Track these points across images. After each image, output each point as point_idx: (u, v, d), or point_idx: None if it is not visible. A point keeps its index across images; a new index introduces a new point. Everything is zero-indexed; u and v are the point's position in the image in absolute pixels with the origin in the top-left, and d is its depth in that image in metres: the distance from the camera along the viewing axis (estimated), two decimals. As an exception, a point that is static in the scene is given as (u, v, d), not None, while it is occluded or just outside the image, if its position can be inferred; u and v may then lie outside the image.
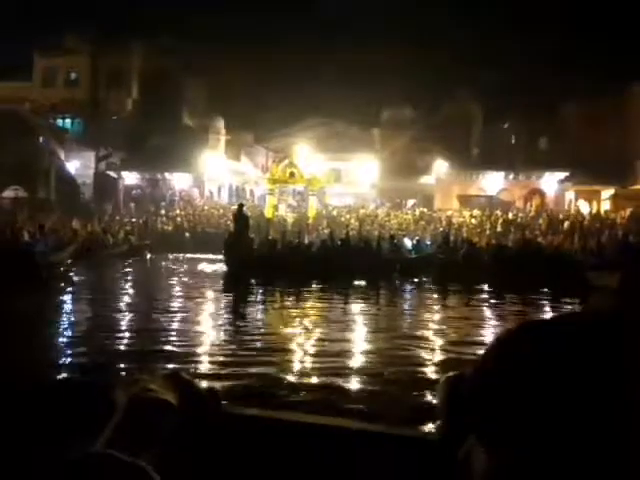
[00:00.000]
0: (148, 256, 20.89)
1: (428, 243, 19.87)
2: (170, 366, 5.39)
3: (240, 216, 16.77)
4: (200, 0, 47.54)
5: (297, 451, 0.88)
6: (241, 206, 17.57)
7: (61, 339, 6.80)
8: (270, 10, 52.02)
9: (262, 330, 7.72)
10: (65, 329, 7.50)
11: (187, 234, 25.26)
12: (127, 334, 7.14)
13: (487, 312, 10.17)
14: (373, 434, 0.89)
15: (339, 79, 35.83)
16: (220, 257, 19.51)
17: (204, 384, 4.62)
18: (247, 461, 0.88)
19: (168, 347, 6.36)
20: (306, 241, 18.71)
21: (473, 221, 26.53)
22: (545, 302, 11.42)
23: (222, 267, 16.54)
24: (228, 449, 0.87)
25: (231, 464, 0.87)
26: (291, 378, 5.18)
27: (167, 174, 34.05)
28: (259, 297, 11.93)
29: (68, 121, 34.67)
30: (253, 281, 13.65)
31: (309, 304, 10.48)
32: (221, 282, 13.97)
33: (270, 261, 15.30)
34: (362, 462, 0.87)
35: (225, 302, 10.70)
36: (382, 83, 33.45)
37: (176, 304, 9.85)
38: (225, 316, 9.02)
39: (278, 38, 48.38)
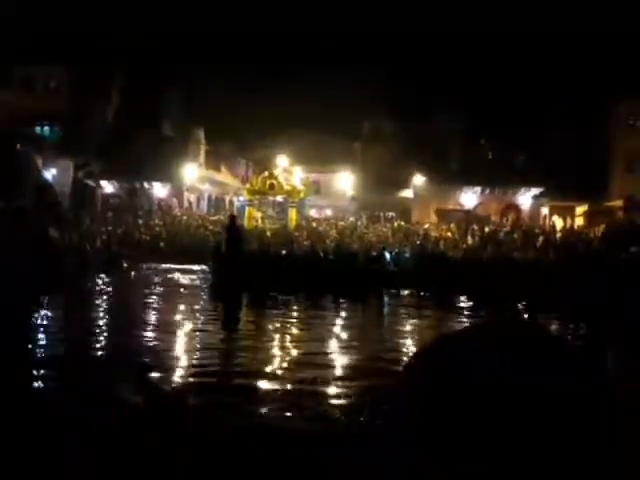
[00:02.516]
0: (124, 265, 20.65)
1: (407, 256, 20.07)
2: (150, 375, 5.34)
3: (233, 227, 16.57)
4: (181, 13, 47.58)
5: (268, 454, 0.90)
6: (233, 217, 17.48)
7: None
8: (255, 23, 52.25)
9: (251, 345, 7.65)
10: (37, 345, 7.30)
11: (162, 244, 25.03)
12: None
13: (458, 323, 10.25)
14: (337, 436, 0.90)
15: (321, 92, 35.92)
16: (198, 268, 19.45)
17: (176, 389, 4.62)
18: (215, 463, 0.89)
19: (151, 359, 6.32)
20: (283, 252, 18.72)
21: (449, 234, 26.72)
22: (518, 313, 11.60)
23: (203, 277, 16.45)
24: (196, 451, 0.88)
25: (199, 465, 0.88)
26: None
27: (146, 184, 33.85)
28: (249, 309, 11.83)
29: (47, 129, 34.27)
30: (241, 292, 13.63)
31: (299, 318, 10.35)
32: (207, 293, 13.88)
33: (260, 272, 15.21)
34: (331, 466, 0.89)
35: (214, 314, 10.56)
36: (364, 97, 33.61)
37: (161, 318, 9.70)
38: (214, 329, 8.89)
39: (261, 50, 48.53)
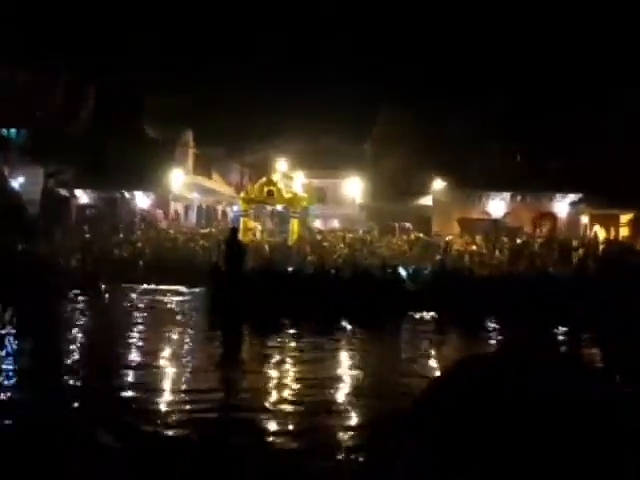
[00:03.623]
0: (103, 287, 20.62)
1: (426, 272, 20.01)
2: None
3: (234, 242, 16.44)
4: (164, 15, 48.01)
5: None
6: (235, 230, 17.33)
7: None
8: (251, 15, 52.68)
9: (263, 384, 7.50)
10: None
11: (144, 261, 25.09)
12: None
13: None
14: None
15: (327, 87, 36.14)
16: (188, 289, 19.39)
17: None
18: None
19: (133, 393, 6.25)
20: (290, 268, 18.76)
21: (474, 248, 26.69)
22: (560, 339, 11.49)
23: (194, 301, 16.51)
24: None
25: None
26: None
27: (127, 193, 33.89)
28: (254, 340, 11.58)
29: (13, 132, 34.47)
30: (243, 318, 13.59)
31: (314, 350, 10.16)
32: (202, 320, 13.72)
33: (264, 294, 15.19)
34: None
35: (213, 347, 10.34)
36: (376, 93, 33.85)
37: (146, 353, 9.35)
38: (214, 368, 8.70)
39: (256, 44, 48.91)
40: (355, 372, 8.21)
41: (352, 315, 14.10)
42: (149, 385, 7.08)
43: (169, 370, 8.03)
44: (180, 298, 18.05)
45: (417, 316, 15.14)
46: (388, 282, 17.30)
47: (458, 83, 35.14)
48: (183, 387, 7.13)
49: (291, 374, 8.06)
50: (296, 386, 7.30)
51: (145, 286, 21.45)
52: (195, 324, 13.02)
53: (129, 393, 6.76)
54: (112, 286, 20.53)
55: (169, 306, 16.54)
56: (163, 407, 6.20)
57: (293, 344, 10.68)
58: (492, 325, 13.83)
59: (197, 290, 20.07)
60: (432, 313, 15.38)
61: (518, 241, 27.39)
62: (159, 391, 6.85)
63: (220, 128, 37.40)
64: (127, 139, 32.55)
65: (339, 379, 7.75)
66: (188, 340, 10.84)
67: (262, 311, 14.01)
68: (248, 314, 13.89)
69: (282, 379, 7.64)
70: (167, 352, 9.58)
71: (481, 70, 35.49)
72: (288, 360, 9.05)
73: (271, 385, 7.28)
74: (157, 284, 21.46)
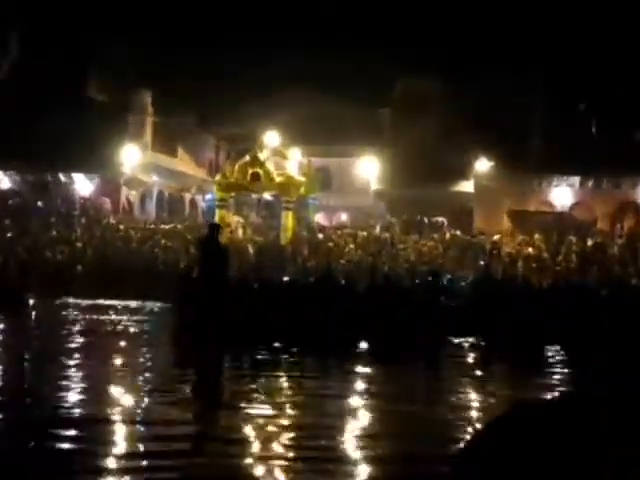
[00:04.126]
0: (29, 301, 20.60)
1: (465, 284, 20.07)
2: None
3: (212, 244, 16.24)
4: None
5: None
6: (214, 227, 17.08)
7: None
8: None
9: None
10: None
11: (85, 267, 25.20)
12: None
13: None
14: None
15: (331, 33, 36.12)
16: (144, 304, 19.36)
17: None
18: None
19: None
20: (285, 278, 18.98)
21: (531, 250, 26.78)
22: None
23: (155, 321, 16.62)
24: None
25: None
26: None
27: (62, 175, 34.03)
28: (241, 378, 11.13)
29: None
30: (226, 345, 13.55)
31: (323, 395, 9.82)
32: (167, 350, 13.56)
33: (252, 312, 15.25)
34: None
35: (181, 385, 10.14)
36: (398, 40, 33.79)
37: (87, 397, 8.95)
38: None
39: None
40: (372, 430, 8.01)
41: (367, 342, 14.09)
42: (84, 447, 6.89)
43: (116, 425, 7.74)
44: (134, 318, 17.93)
45: (455, 342, 15.04)
46: (419, 295, 17.29)
47: (505, 33, 35.18)
48: (135, 451, 6.93)
49: (288, 426, 7.94)
50: (294, 442, 7.21)
51: (87, 301, 21.35)
52: (156, 355, 12.76)
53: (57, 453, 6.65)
54: (42, 301, 20.48)
55: (119, 329, 16.36)
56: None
57: (289, 383, 10.54)
58: (554, 356, 13.73)
59: (158, 307, 20.08)
60: (473, 338, 15.26)
61: (590, 242, 27.39)
62: (99, 456, 6.65)
63: (188, 89, 37.40)
64: (64, 103, 32.58)
65: (349, 435, 7.61)
66: (145, 378, 10.49)
67: (248, 336, 13.92)
68: (230, 340, 13.77)
69: (278, 436, 7.49)
70: (115, 397, 9.05)
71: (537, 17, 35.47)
72: (284, 408, 8.91)
73: (266, 451, 7.06)
74: (103, 298, 21.41)
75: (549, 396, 9.69)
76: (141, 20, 37.72)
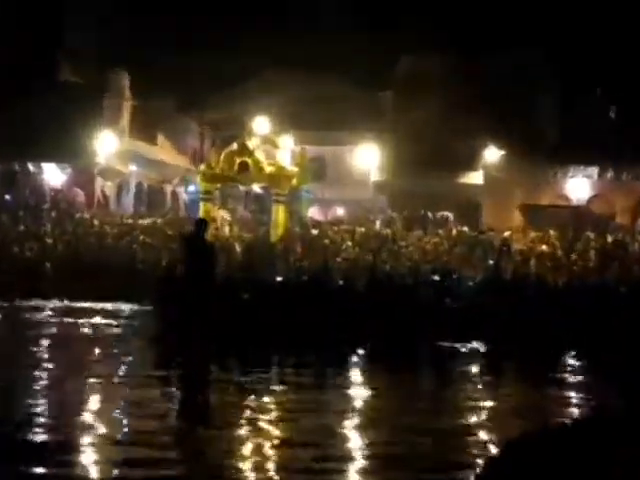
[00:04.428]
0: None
1: (473, 283, 20.05)
2: None
3: (199, 240, 16.13)
4: None
5: None
6: (202, 223, 17.02)
7: None
8: None
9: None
10: None
11: (52, 265, 25.12)
12: None
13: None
14: None
15: (329, 13, 36.18)
16: (120, 307, 19.24)
17: None
18: None
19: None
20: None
21: (545, 247, 26.80)
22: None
23: (131, 326, 16.80)
24: None
25: None
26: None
27: (31, 165, 34.05)
28: (226, 389, 11.07)
29: None
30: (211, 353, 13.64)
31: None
32: (145, 358, 13.49)
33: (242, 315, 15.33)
34: None
35: (163, 397, 10.03)
36: (399, 17, 33.90)
37: (67, 408, 9.10)
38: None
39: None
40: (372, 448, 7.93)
41: (365, 348, 14.22)
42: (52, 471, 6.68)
43: (93, 445, 7.50)
44: (109, 321, 17.79)
45: (460, 348, 15.00)
46: (422, 296, 17.37)
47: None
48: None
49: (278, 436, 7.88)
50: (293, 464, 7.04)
51: (57, 303, 21.41)
52: (134, 363, 12.70)
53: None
54: (6, 303, 20.31)
55: (93, 335, 16.27)
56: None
57: (284, 396, 10.43)
58: (572, 364, 13.70)
59: (134, 310, 20.07)
60: (480, 344, 15.28)
61: (609, 238, 27.40)
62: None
63: (169, 69, 37.40)
64: (32, 86, 32.53)
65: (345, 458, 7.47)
66: (123, 389, 10.43)
67: (238, 341, 14.03)
68: (217, 344, 13.93)
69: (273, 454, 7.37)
70: (90, 413, 9.01)
71: None
72: (278, 421, 8.79)
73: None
74: (74, 299, 21.40)
75: (563, 415, 9.65)
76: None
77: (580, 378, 12.61)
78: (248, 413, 9.11)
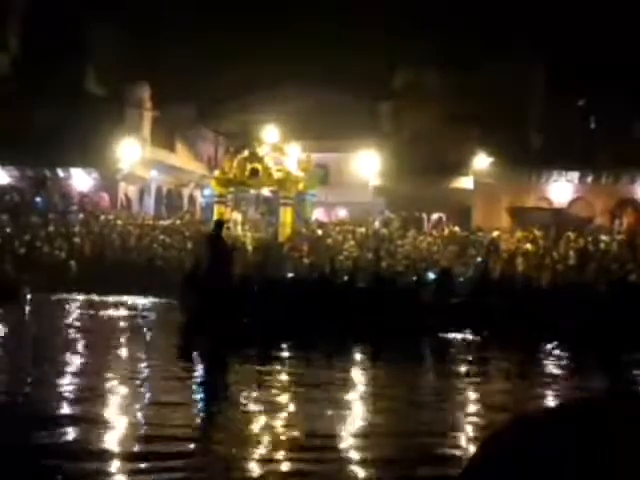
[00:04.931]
0: (28, 297, 20.80)
1: (464, 279, 20.24)
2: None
3: (219, 241, 16.62)
4: None
5: None
6: (220, 224, 17.46)
7: None
8: None
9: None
10: None
11: (72, 263, 25.44)
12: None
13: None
14: None
15: (329, 27, 36.00)
16: (142, 302, 19.52)
17: None
18: None
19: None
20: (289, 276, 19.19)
21: (530, 247, 26.80)
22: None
23: (156, 319, 16.81)
24: None
25: None
26: None
27: (60, 171, 34.02)
28: (246, 375, 11.10)
29: None
30: (230, 345, 13.69)
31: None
32: (170, 347, 13.53)
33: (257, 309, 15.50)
34: None
35: (186, 382, 10.16)
36: (397, 33, 33.71)
37: (95, 392, 8.96)
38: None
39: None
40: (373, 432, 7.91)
41: (364, 339, 14.27)
42: (86, 452, 6.51)
43: (120, 429, 7.37)
44: (134, 313, 18.21)
45: (451, 338, 15.27)
46: (412, 292, 17.59)
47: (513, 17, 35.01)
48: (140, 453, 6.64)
49: (289, 425, 7.88)
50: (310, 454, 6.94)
51: (85, 296, 21.73)
52: (160, 352, 12.68)
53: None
54: (39, 296, 20.64)
55: (121, 325, 16.62)
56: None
57: (301, 387, 10.14)
58: (554, 353, 13.73)
59: (155, 303, 20.46)
60: (470, 334, 15.50)
61: (589, 238, 27.42)
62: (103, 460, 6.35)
63: (187, 81, 37.25)
64: (62, 98, 32.61)
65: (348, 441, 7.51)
66: (149, 376, 10.38)
67: (253, 333, 14.27)
68: (232, 337, 14.09)
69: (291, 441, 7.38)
70: (119, 397, 8.91)
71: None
72: (296, 409, 8.83)
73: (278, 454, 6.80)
74: (100, 294, 21.72)
75: (548, 398, 9.70)
76: (137, 11, 37.57)
77: (563, 365, 12.68)
78: (257, 395, 9.30)
